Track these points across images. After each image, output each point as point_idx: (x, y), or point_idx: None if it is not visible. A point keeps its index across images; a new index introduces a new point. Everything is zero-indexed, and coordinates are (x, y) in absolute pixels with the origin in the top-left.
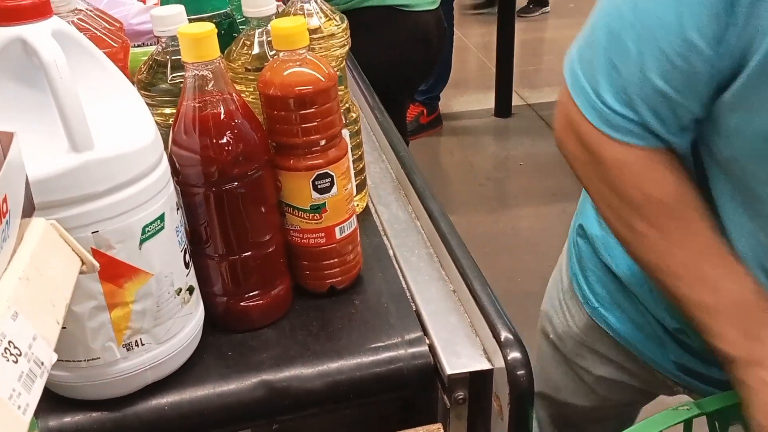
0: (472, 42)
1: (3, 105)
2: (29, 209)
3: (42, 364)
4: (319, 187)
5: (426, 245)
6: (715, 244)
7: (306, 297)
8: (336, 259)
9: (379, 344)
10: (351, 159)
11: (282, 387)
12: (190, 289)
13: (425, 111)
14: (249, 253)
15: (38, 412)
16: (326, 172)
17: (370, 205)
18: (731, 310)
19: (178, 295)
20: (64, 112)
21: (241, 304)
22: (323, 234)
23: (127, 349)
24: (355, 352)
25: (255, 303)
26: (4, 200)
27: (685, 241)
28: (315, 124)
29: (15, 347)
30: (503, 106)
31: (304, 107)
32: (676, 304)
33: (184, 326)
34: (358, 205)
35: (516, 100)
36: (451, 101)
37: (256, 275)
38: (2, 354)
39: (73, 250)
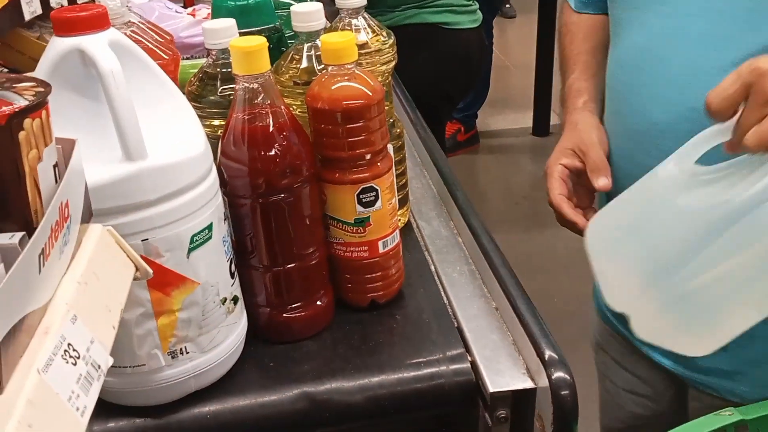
0: (511, 60)
1: (60, 113)
2: (87, 215)
3: (99, 367)
4: (363, 200)
5: (468, 262)
6: (582, 54)
7: (347, 311)
8: (378, 273)
9: (421, 360)
10: (395, 173)
11: (323, 399)
12: (235, 299)
13: (462, 128)
14: (293, 264)
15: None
16: (371, 186)
17: (412, 221)
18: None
19: (223, 304)
20: (119, 121)
21: (284, 315)
22: (366, 248)
23: (172, 357)
24: (397, 367)
25: (297, 315)
26: (66, 205)
27: (570, 49)
28: (361, 138)
29: (74, 350)
30: (541, 125)
31: (351, 121)
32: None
33: (228, 336)
34: (400, 220)
35: (554, 119)
36: (488, 119)
37: (299, 287)
38: (62, 356)
39: (128, 256)
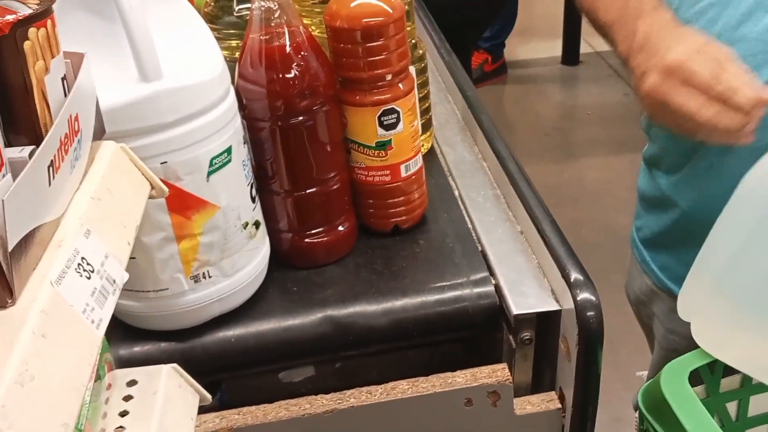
0: None
1: (74, 35)
2: (100, 132)
3: (114, 281)
4: (385, 123)
5: (492, 186)
6: None
7: (370, 236)
8: (401, 198)
9: (444, 283)
10: (417, 96)
11: (346, 323)
12: (257, 224)
13: (490, 58)
14: (314, 189)
15: (109, 340)
16: (392, 108)
17: (436, 146)
18: (622, 14)
19: (245, 228)
20: (133, 41)
21: (306, 240)
22: (388, 172)
23: (195, 281)
24: (420, 291)
25: (319, 240)
26: (76, 119)
27: None
28: (382, 57)
29: (88, 264)
30: (571, 54)
31: (371, 40)
32: (601, 33)
33: (251, 260)
34: (423, 145)
35: (584, 48)
36: (516, 48)
37: (320, 212)
38: (75, 269)
39: (143, 174)
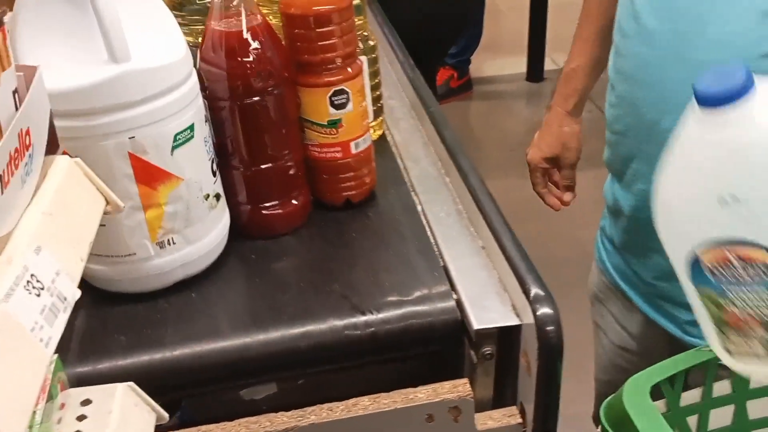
0: (505, 4)
1: (50, 23)
2: (54, 146)
3: (65, 299)
4: (335, 102)
5: (455, 201)
6: (589, 42)
7: (324, 210)
8: (351, 173)
9: (405, 298)
10: (368, 83)
11: (300, 289)
12: (217, 196)
13: (455, 75)
14: (270, 165)
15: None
16: (342, 89)
17: (399, 161)
18: (558, 85)
19: (206, 200)
20: (103, 24)
21: (263, 212)
22: (339, 148)
23: (160, 247)
24: (380, 305)
25: (276, 212)
26: (27, 133)
27: (584, 27)
28: (332, 42)
29: (38, 281)
30: (535, 71)
31: (322, 25)
32: None
33: (212, 229)
34: (374, 131)
35: (549, 65)
36: (482, 65)
37: (276, 186)
38: (24, 287)
39: (98, 189)
